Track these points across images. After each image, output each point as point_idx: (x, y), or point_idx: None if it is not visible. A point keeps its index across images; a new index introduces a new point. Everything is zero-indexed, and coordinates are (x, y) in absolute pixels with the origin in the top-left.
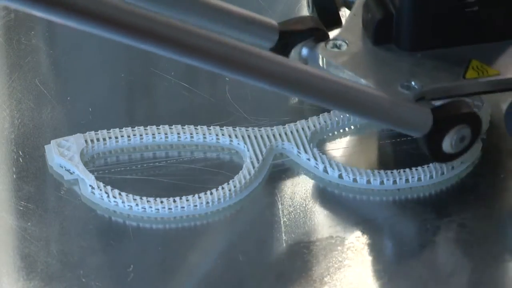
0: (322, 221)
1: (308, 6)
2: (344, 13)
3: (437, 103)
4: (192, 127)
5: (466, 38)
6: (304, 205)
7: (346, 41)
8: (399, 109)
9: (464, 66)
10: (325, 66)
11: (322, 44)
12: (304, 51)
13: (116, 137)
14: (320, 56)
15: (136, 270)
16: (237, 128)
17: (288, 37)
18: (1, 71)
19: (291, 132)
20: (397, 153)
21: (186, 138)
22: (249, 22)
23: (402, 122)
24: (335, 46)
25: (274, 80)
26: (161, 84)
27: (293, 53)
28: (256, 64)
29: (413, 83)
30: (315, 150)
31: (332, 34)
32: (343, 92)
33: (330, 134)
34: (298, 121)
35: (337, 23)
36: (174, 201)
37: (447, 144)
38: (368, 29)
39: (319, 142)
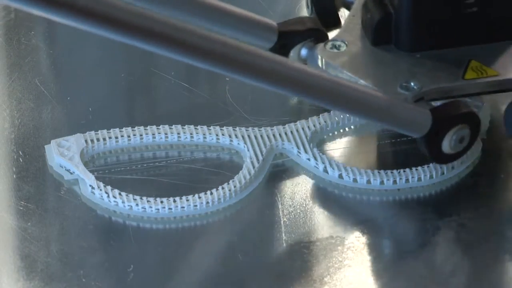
0: (322, 221)
1: (308, 6)
2: (343, 13)
3: (436, 103)
4: (192, 127)
5: (465, 39)
6: (304, 205)
7: (345, 42)
8: (397, 109)
9: (463, 67)
10: (324, 67)
11: (321, 45)
12: (303, 51)
13: (116, 137)
14: (319, 57)
15: (136, 270)
16: (237, 128)
17: (287, 38)
18: (1, 71)
19: (291, 132)
20: (397, 153)
21: (186, 138)
22: (248, 22)
23: (401, 123)
24: (334, 46)
25: (271, 79)
26: (161, 84)
27: (292, 53)
28: (253, 63)
29: (412, 83)
30: (315, 150)
31: (332, 34)
32: (342, 91)
33: (330, 134)
34: (298, 121)
35: (336, 23)
36: (174, 201)
37: (446, 145)
38: (367, 30)
39: (319, 142)
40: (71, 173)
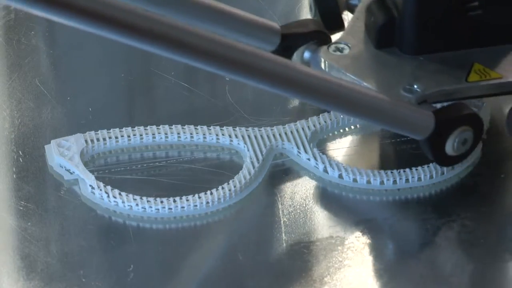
0: (322, 221)
1: (311, 9)
2: (347, 16)
3: (438, 106)
4: (192, 127)
5: (468, 42)
6: (304, 205)
7: (349, 45)
8: (400, 111)
9: (466, 70)
10: (327, 69)
11: (324, 48)
12: (307, 54)
13: (116, 137)
14: (322, 59)
15: (136, 270)
16: (237, 128)
17: (290, 40)
18: (1, 71)
19: (291, 132)
20: (397, 153)
21: (186, 138)
22: (251, 24)
23: (403, 125)
24: (338, 49)
25: (272, 81)
26: (161, 84)
27: (295, 56)
28: (255, 64)
29: (415, 86)
30: (315, 150)
31: (335, 37)
32: (344, 93)
33: (330, 134)
34: (298, 121)
35: (339, 26)
36: (174, 201)
37: (450, 147)
38: (370, 33)
39: (319, 142)
40: (71, 173)
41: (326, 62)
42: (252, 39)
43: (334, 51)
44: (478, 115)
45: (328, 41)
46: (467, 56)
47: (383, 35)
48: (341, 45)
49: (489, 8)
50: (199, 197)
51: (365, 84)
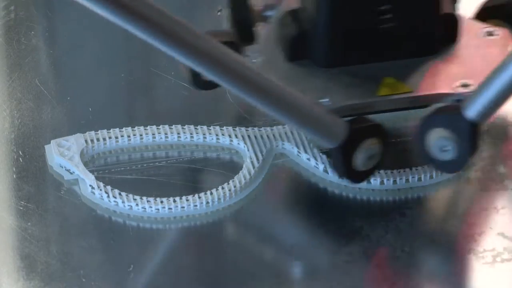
0: (322, 221)
1: (228, 20)
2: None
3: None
4: (192, 127)
5: (380, 55)
6: (304, 205)
7: (261, 57)
8: (315, 113)
9: (377, 83)
10: None
11: None
12: None
13: (116, 137)
14: None
15: (136, 270)
16: (237, 128)
17: None
18: (1, 71)
19: (291, 132)
20: (397, 153)
21: (186, 138)
22: None
23: (316, 127)
24: (250, 61)
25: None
26: (161, 84)
27: None
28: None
29: (324, 100)
30: (315, 150)
31: (249, 49)
32: (259, 80)
33: None
34: None
35: (252, 38)
36: (174, 201)
37: (359, 160)
38: (283, 45)
39: None
40: (71, 173)
41: None
42: None
43: None
44: (383, 126)
45: (240, 53)
46: (379, 69)
47: (296, 48)
48: (254, 57)
49: (401, 20)
50: (199, 197)
51: None
